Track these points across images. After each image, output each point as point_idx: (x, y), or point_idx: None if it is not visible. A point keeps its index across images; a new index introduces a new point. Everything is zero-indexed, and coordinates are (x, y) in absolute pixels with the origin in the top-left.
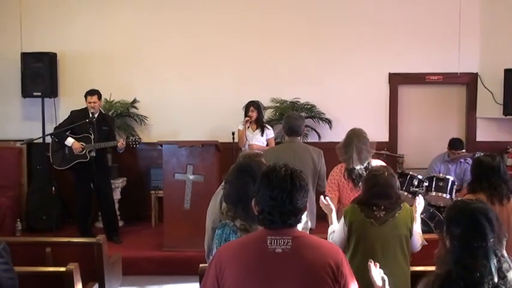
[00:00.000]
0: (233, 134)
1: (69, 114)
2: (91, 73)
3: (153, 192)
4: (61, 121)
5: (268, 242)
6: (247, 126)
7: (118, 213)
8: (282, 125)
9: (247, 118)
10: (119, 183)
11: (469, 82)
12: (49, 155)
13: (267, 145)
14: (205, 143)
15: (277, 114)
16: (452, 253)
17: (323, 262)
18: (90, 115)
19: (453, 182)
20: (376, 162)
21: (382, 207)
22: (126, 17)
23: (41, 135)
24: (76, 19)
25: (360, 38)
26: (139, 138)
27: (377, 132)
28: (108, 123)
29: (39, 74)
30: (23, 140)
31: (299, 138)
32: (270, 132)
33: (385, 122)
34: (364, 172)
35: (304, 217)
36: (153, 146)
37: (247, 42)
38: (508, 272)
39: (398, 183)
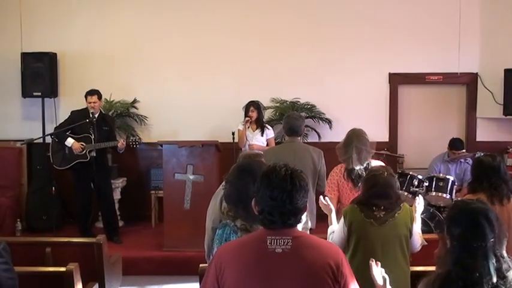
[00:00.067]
0: (233, 134)
1: (69, 114)
2: (91, 73)
3: (153, 192)
4: (61, 121)
5: (268, 242)
6: (247, 126)
7: (118, 213)
8: (282, 125)
9: (247, 118)
10: (119, 183)
11: (469, 82)
12: (49, 155)
13: (267, 145)
14: (206, 143)
15: (277, 114)
16: (452, 253)
17: (323, 262)
18: (91, 115)
19: (453, 182)
20: (376, 163)
21: (382, 207)
22: (126, 17)
23: (41, 135)
24: (76, 19)
25: (360, 38)
26: (140, 138)
27: (377, 132)
28: (108, 123)
29: (39, 74)
30: (23, 140)
31: (299, 138)
32: (270, 132)
33: (385, 122)
34: (364, 172)
35: (304, 217)
36: (153, 146)
37: (247, 42)
38: (507, 272)
39: (398, 183)
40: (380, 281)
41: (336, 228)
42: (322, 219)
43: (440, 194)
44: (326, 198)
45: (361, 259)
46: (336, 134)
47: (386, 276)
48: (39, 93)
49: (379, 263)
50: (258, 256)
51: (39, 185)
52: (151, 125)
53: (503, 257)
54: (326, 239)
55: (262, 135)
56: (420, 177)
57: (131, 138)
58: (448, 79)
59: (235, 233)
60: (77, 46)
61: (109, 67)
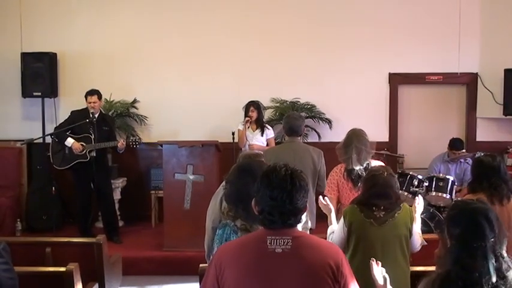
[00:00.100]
0: (233, 134)
1: (69, 114)
2: (91, 73)
3: (153, 192)
4: (61, 121)
5: (268, 242)
6: (247, 126)
7: (118, 213)
8: (282, 125)
9: (247, 118)
10: (119, 183)
11: (469, 82)
12: (49, 154)
13: (267, 145)
14: (206, 143)
15: (277, 114)
16: (452, 253)
17: (323, 262)
18: (91, 115)
19: (453, 182)
20: (376, 163)
21: (382, 208)
22: (126, 17)
23: (41, 135)
24: (76, 19)
25: (360, 38)
26: (140, 138)
27: (377, 132)
28: (108, 123)
29: (39, 74)
30: (23, 140)
31: (299, 138)
32: (270, 132)
33: (385, 122)
34: (364, 173)
35: (303, 217)
36: (153, 146)
37: (247, 42)
38: (507, 272)
39: (397, 183)
40: (381, 281)
41: (335, 228)
42: (322, 219)
43: (440, 194)
44: (325, 198)
45: (361, 259)
46: (336, 134)
47: (387, 276)
48: (39, 93)
49: (380, 263)
50: (258, 256)
51: (39, 185)
52: (151, 125)
53: (503, 257)
54: (326, 239)
55: (262, 135)
56: (420, 177)
57: (131, 138)
58: (448, 79)
59: (236, 233)
60: (77, 46)
61: (109, 67)
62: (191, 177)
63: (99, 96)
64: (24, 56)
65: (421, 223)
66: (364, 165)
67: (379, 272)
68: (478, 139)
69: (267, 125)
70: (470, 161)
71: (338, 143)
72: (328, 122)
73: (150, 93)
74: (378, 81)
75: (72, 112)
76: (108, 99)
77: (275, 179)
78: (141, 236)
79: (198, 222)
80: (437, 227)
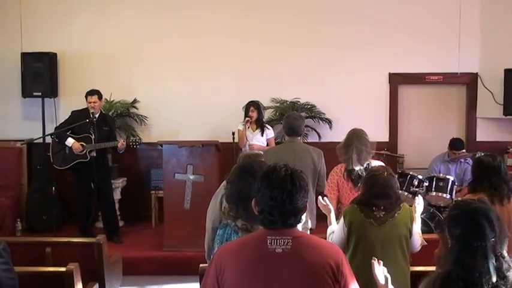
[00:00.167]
0: (233, 134)
1: (69, 114)
2: (91, 73)
3: (153, 192)
4: (61, 121)
5: (268, 242)
6: (247, 126)
7: (118, 213)
8: (282, 125)
9: (247, 118)
10: (119, 183)
11: (469, 82)
12: (49, 154)
13: (267, 145)
14: (206, 143)
15: (277, 114)
16: (452, 253)
17: (323, 262)
18: (91, 115)
19: (453, 182)
20: (376, 163)
21: (382, 208)
22: (126, 17)
23: (41, 135)
24: (76, 19)
25: (360, 38)
26: (140, 138)
27: (377, 132)
28: (108, 123)
29: (39, 74)
30: (23, 140)
31: (299, 138)
32: (270, 132)
33: (385, 122)
34: (364, 173)
35: (303, 217)
36: (153, 146)
37: (247, 42)
38: (508, 271)
39: (397, 184)
40: (382, 280)
41: (335, 228)
42: (322, 219)
43: (440, 194)
44: (325, 198)
45: (361, 259)
46: (336, 134)
47: (388, 276)
48: (39, 93)
49: (381, 262)
50: (258, 256)
51: (39, 185)
52: (151, 125)
53: (503, 257)
54: (326, 239)
55: (262, 135)
56: (420, 177)
57: (131, 138)
58: (448, 79)
59: (236, 233)
60: (77, 46)
61: (109, 67)
62: (191, 177)
63: (100, 96)
64: (24, 56)
65: (421, 223)
66: (365, 165)
67: (380, 271)
68: (478, 139)
69: (267, 125)
70: (470, 161)
71: (338, 143)
72: (328, 122)
73: (150, 93)
74: (378, 81)
75: (72, 112)
76: (108, 99)
77: (275, 179)
78: (141, 236)
79: (198, 222)
80: (438, 227)
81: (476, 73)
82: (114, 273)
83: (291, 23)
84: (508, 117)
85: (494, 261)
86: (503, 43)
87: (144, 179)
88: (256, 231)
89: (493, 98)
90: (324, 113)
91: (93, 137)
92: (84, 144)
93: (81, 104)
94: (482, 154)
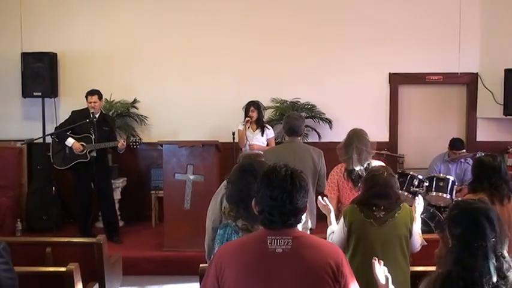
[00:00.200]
0: (233, 134)
1: (69, 114)
2: (91, 73)
3: (153, 192)
4: (61, 121)
5: (269, 242)
6: (247, 127)
7: (118, 213)
8: (282, 125)
9: (247, 118)
10: (119, 183)
11: (469, 82)
12: (49, 154)
13: (267, 145)
14: (206, 143)
15: (278, 114)
16: (453, 253)
17: (323, 262)
18: (91, 115)
19: (453, 182)
20: (377, 163)
21: (382, 208)
22: (126, 17)
23: (41, 135)
24: (76, 19)
25: (360, 38)
26: (140, 138)
27: (377, 132)
28: (108, 123)
29: (40, 74)
30: (23, 140)
31: (299, 138)
32: (270, 132)
33: (385, 122)
34: (364, 173)
35: (303, 217)
36: (153, 146)
37: (247, 42)
38: (508, 271)
39: (397, 184)
40: (383, 280)
41: (335, 228)
42: (322, 219)
43: (440, 194)
44: (324, 198)
45: (361, 259)
46: (336, 134)
47: (389, 275)
48: (40, 93)
49: (382, 262)
50: (258, 256)
51: (39, 185)
52: (152, 125)
53: (504, 257)
54: (326, 239)
55: (262, 135)
56: (420, 177)
57: (131, 138)
58: (448, 79)
59: (237, 233)
60: (77, 46)
61: (109, 67)
62: (191, 177)
63: (100, 96)
64: (25, 56)
65: (421, 223)
66: (365, 165)
67: (381, 271)
68: (478, 139)
69: (267, 125)
70: (470, 161)
71: (338, 143)
72: (329, 122)
73: (150, 93)
74: (378, 81)
75: (72, 112)
76: (109, 99)
77: (275, 179)
78: (141, 236)
79: (198, 222)
80: (438, 227)
81: (477, 73)
82: (114, 273)
83: (291, 23)
84: (508, 117)
85: (494, 261)
86: (503, 43)
87: (144, 179)
88: (256, 231)
89: (493, 98)
90: (324, 113)
91: (93, 137)
92: (85, 144)
93: (81, 104)
94: (483, 154)
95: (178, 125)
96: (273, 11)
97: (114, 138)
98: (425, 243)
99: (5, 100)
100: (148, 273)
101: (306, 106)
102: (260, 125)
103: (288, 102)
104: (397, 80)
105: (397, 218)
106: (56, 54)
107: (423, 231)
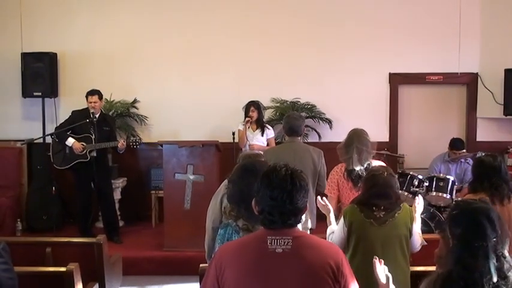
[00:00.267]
0: (233, 134)
1: (69, 114)
2: (91, 73)
3: (153, 192)
4: (61, 121)
5: (269, 242)
6: (247, 127)
7: (118, 213)
8: (282, 125)
9: (247, 118)
10: (119, 183)
11: (469, 82)
12: (50, 154)
13: (268, 145)
14: (206, 143)
15: (278, 114)
16: (453, 253)
17: (323, 262)
18: (91, 115)
19: (453, 182)
20: (377, 163)
21: (382, 208)
22: (126, 17)
23: (41, 135)
24: (76, 19)
25: (360, 38)
26: (140, 138)
27: (377, 132)
28: (109, 123)
29: (40, 74)
30: (23, 140)
31: (299, 138)
32: (270, 132)
33: (385, 122)
34: (364, 173)
35: (303, 217)
36: (153, 146)
37: (247, 42)
38: (509, 272)
39: (397, 184)
40: (383, 280)
41: (334, 228)
42: (322, 219)
43: (440, 194)
44: (324, 198)
45: (361, 259)
46: (336, 134)
47: (390, 275)
48: (40, 93)
49: (382, 261)
50: (258, 256)
51: (39, 185)
52: (152, 125)
53: (504, 257)
54: (326, 239)
55: (262, 135)
56: (420, 177)
57: (131, 138)
58: (448, 79)
59: (237, 233)
60: (77, 46)
61: (109, 67)
62: (191, 177)
63: (100, 96)
64: (25, 56)
65: (421, 223)
66: (365, 165)
67: (381, 270)
68: (478, 139)
69: (267, 125)
70: (470, 161)
71: (338, 143)
72: (329, 122)
73: (150, 93)
74: (378, 81)
75: (72, 112)
76: (109, 99)
77: (275, 179)
78: (141, 236)
79: (198, 222)
80: (438, 227)
81: (477, 73)
82: (114, 273)
83: (291, 23)
84: (508, 117)
85: (495, 261)
86: (503, 43)
87: (144, 179)
88: (256, 231)
89: (493, 98)
90: (324, 113)
91: (93, 137)
92: (85, 144)
93: (81, 104)
94: (483, 154)
95: (178, 125)
96: (273, 11)
97: (114, 138)
98: (425, 243)
99: (5, 100)
100: (148, 273)
101: (306, 106)
102: (260, 125)
103: (288, 102)
104: (397, 80)
105: (397, 218)
106: (56, 54)
107: (423, 231)
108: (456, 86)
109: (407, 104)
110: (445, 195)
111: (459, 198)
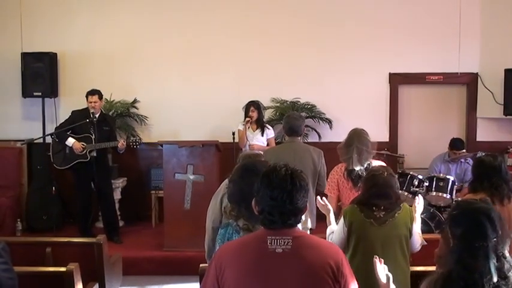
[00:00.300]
0: (233, 134)
1: (69, 114)
2: (91, 73)
3: (153, 192)
4: (61, 121)
5: (269, 242)
6: (247, 127)
7: (118, 213)
8: (282, 125)
9: (247, 118)
10: (119, 183)
11: (469, 82)
12: (50, 154)
13: (268, 145)
14: (206, 143)
15: (278, 114)
16: (454, 253)
17: (323, 262)
18: (91, 115)
19: (453, 182)
20: (377, 163)
21: (382, 208)
22: (126, 17)
23: (41, 135)
24: (76, 19)
25: (360, 38)
26: (140, 138)
27: (377, 132)
28: (109, 123)
29: (40, 74)
30: (23, 140)
31: (299, 138)
32: (270, 132)
33: (385, 122)
34: (364, 173)
35: (303, 217)
36: (153, 146)
37: (247, 42)
38: (509, 272)
39: (397, 183)
40: (384, 279)
41: (334, 228)
42: (322, 219)
43: (440, 194)
44: (324, 198)
45: (361, 259)
46: (336, 134)
47: (390, 275)
48: (40, 93)
49: (383, 260)
50: (258, 256)
51: (39, 185)
52: (152, 125)
53: (505, 257)
54: (326, 239)
55: (262, 135)
56: (420, 177)
57: (131, 138)
58: (448, 79)
59: (238, 233)
60: (77, 46)
61: (109, 67)
62: (191, 177)
63: (100, 96)
64: (25, 56)
65: (421, 223)
66: (365, 165)
67: (382, 270)
68: (478, 139)
69: (267, 125)
70: (470, 161)
71: (338, 143)
72: (329, 122)
73: (150, 93)
74: (378, 81)
75: (72, 112)
76: (109, 99)
77: (275, 179)
78: (141, 236)
79: (198, 222)
80: (438, 227)
81: (477, 73)
82: (114, 273)
83: (291, 23)
84: (508, 117)
85: (495, 262)
86: (503, 43)
87: (144, 179)
88: (256, 231)
89: (493, 98)
90: (324, 113)
91: (93, 137)
92: (85, 144)
93: (81, 104)
94: (483, 154)
95: (178, 125)
96: (273, 11)
97: (114, 138)
98: (425, 243)
99: (5, 100)
100: (148, 273)
101: (306, 106)
102: (260, 125)
103: (288, 102)
104: (397, 80)
105: (397, 218)
106: (56, 54)
107: (423, 231)
108: (456, 86)
109: (407, 104)
110: (445, 195)
111: (459, 198)
